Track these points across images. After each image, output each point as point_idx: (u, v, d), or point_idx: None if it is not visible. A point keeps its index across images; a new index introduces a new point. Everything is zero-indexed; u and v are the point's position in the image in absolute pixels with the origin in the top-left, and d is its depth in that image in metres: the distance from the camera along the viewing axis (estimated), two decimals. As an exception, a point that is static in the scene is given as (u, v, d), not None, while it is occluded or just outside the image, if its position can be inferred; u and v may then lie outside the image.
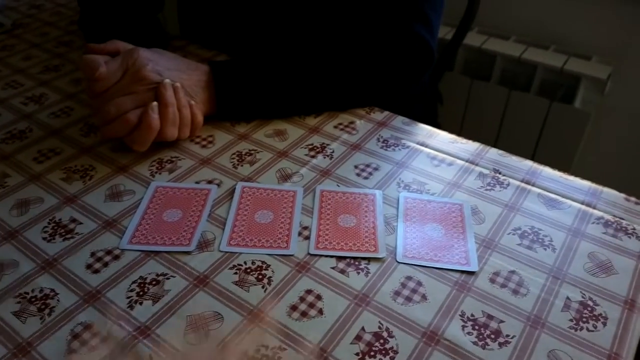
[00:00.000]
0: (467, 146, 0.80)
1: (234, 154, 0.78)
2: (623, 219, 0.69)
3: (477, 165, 0.76)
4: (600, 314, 0.57)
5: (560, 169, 0.76)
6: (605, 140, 1.67)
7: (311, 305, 0.57)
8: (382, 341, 0.54)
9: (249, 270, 0.61)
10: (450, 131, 0.84)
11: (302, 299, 0.58)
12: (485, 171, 0.75)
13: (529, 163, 0.77)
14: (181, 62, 0.80)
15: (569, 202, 0.71)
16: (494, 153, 0.79)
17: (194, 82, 0.79)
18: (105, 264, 0.62)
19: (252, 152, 0.79)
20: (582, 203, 0.71)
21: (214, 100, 0.81)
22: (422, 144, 0.80)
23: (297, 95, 0.85)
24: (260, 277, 0.60)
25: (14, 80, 0.96)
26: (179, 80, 0.77)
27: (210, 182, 0.73)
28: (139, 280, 0.60)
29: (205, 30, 1.12)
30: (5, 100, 0.91)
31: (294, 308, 0.57)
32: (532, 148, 1.67)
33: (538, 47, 1.61)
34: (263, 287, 0.59)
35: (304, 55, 0.85)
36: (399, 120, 0.86)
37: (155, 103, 0.73)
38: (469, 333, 0.55)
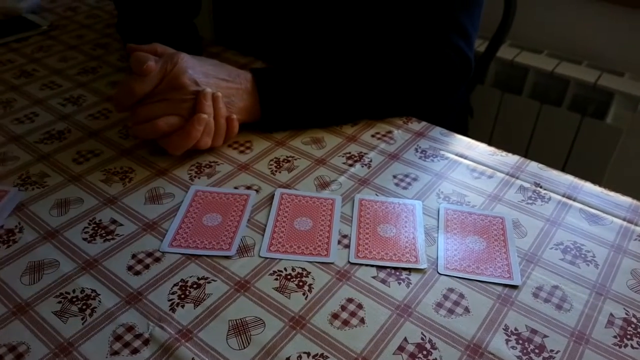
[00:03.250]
0: (507, 159, 0.79)
1: (271, 160, 0.78)
2: (667, 237, 0.68)
3: (517, 178, 0.76)
4: (645, 332, 0.57)
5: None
6: (637, 157, 1.65)
7: (353, 314, 0.57)
8: (425, 352, 0.54)
9: (289, 277, 0.61)
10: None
11: (343, 308, 0.58)
12: (526, 185, 0.75)
13: (569, 178, 0.76)
14: (221, 70, 0.80)
15: (610, 217, 0.70)
16: (534, 167, 0.78)
17: (233, 90, 0.79)
18: (147, 266, 0.62)
19: (290, 159, 0.79)
20: (624, 219, 0.70)
21: (252, 109, 0.81)
22: (461, 156, 0.80)
23: (338, 105, 0.85)
24: (300, 284, 0.60)
25: (51, 81, 0.97)
26: (217, 87, 0.77)
27: (249, 187, 0.73)
28: (180, 283, 0.60)
29: (241, 36, 1.13)
30: (44, 100, 0.92)
31: (335, 316, 0.57)
32: (562, 163, 1.66)
33: (571, 62, 1.59)
34: (304, 294, 0.59)
35: (343, 64, 0.85)
36: (436, 131, 0.85)
37: (204, 116, 0.73)
38: (512, 347, 0.54)
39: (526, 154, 1.71)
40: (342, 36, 0.96)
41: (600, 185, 0.75)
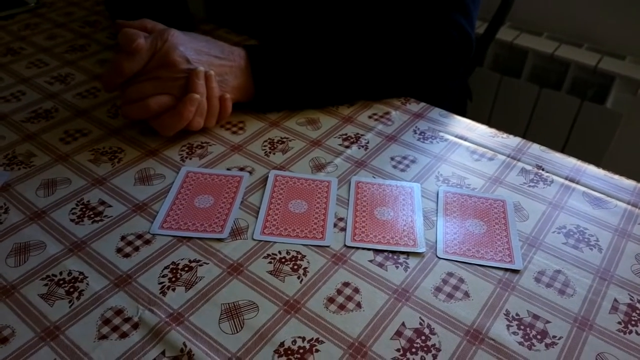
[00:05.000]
0: (508, 141, 0.77)
1: (265, 141, 0.76)
2: (672, 220, 0.66)
3: (519, 160, 0.74)
4: (650, 318, 0.55)
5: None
6: (637, 142, 1.63)
7: (349, 299, 0.55)
8: (423, 338, 0.52)
9: (283, 260, 0.59)
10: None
11: (339, 292, 0.56)
12: (528, 167, 0.73)
13: (572, 160, 0.74)
14: (214, 46, 0.77)
15: (614, 201, 0.68)
16: (535, 149, 0.76)
17: (227, 68, 0.76)
18: (136, 248, 0.60)
19: (284, 140, 0.77)
20: (628, 203, 0.68)
21: (246, 87, 0.78)
22: (461, 137, 0.78)
23: (334, 84, 0.82)
24: (295, 267, 0.58)
25: (38, 59, 0.94)
26: (210, 65, 0.74)
27: (242, 169, 0.71)
28: (171, 266, 0.58)
29: (232, 13, 1.10)
30: (30, 79, 0.89)
31: (331, 300, 0.55)
32: (561, 147, 1.64)
33: (571, 44, 1.57)
34: (299, 277, 0.57)
35: (339, 41, 0.83)
36: (435, 112, 0.83)
37: (196, 96, 0.71)
38: (514, 333, 0.53)
39: (524, 138, 1.69)
40: (339, 12, 0.93)
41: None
